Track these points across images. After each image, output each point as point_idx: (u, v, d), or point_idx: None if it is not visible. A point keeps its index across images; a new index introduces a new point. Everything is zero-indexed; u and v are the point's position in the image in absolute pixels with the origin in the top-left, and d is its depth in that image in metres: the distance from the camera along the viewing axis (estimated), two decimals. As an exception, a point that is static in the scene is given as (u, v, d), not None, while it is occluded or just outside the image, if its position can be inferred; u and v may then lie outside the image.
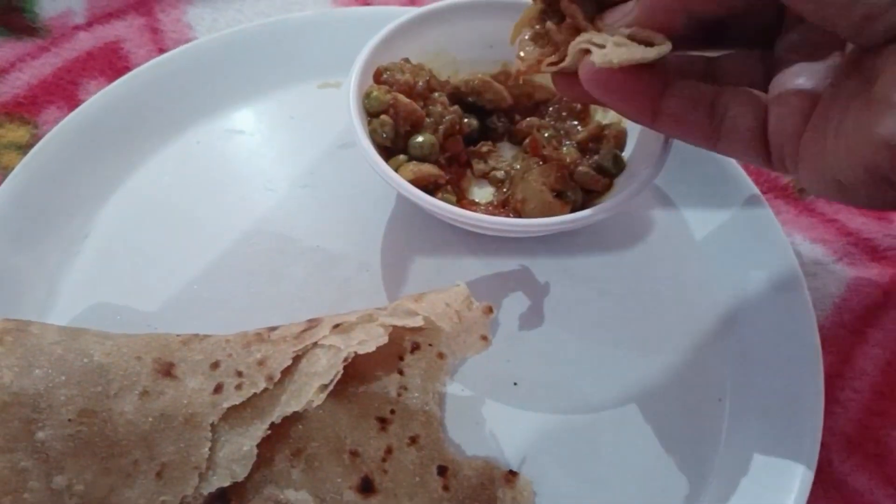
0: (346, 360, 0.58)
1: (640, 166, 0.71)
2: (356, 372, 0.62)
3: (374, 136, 0.71)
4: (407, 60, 0.76)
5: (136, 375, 0.58)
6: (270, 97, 0.84)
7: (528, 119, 0.78)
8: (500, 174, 0.75)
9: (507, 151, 0.78)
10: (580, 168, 0.73)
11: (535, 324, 0.71)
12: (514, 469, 0.63)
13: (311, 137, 0.81)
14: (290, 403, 0.58)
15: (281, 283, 0.72)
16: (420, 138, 0.72)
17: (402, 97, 0.72)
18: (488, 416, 0.66)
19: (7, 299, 0.68)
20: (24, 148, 0.76)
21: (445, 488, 0.61)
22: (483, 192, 0.75)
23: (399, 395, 0.64)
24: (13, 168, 0.73)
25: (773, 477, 0.62)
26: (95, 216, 0.75)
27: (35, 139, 0.76)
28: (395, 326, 0.60)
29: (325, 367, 0.58)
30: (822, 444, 0.63)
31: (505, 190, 0.74)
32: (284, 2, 0.93)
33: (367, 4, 0.93)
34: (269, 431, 0.57)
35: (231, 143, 0.81)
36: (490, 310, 0.64)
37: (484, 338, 0.65)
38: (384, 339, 0.59)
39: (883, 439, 0.66)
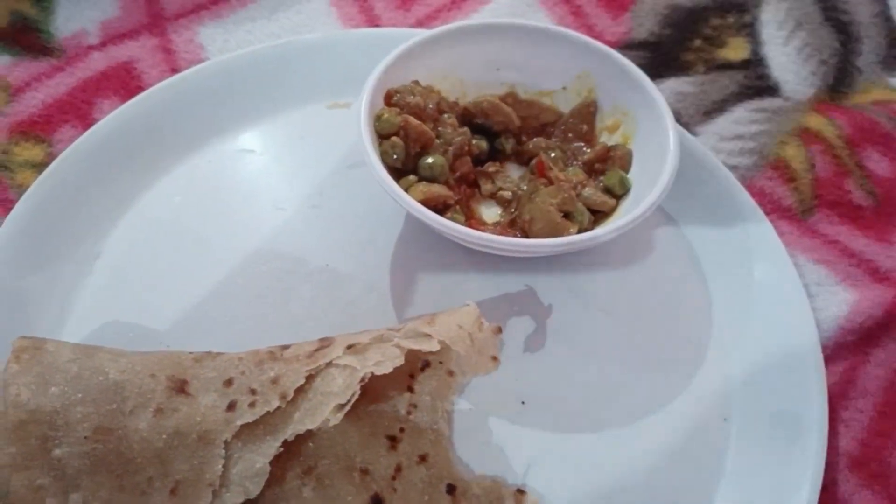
0: (362, 380, 0.59)
1: (645, 187, 0.72)
2: (367, 390, 0.62)
3: (384, 157, 0.72)
4: (416, 83, 0.78)
5: (150, 393, 0.59)
6: (280, 117, 0.85)
7: (534, 140, 0.80)
8: (507, 194, 0.76)
9: (514, 172, 0.79)
10: (587, 189, 0.74)
11: (541, 343, 0.72)
12: (522, 487, 0.63)
13: (320, 157, 0.83)
14: (304, 422, 0.58)
15: (290, 303, 0.73)
16: (430, 159, 0.73)
17: (412, 119, 0.73)
18: (496, 433, 0.67)
19: (20, 318, 0.69)
20: (38, 166, 0.77)
21: (455, 506, 0.62)
22: (491, 213, 0.76)
23: (409, 412, 0.65)
24: (28, 186, 0.74)
25: (778, 496, 0.62)
26: (107, 236, 0.76)
27: (50, 158, 0.77)
28: (410, 349, 0.61)
29: (341, 387, 0.59)
30: (827, 464, 0.64)
31: (512, 210, 0.75)
32: (294, 24, 0.94)
33: (376, 26, 0.94)
34: (281, 449, 0.58)
35: (241, 162, 0.82)
36: (499, 330, 0.65)
37: (494, 358, 0.66)
38: (401, 361, 0.59)
39: (886, 459, 0.67)
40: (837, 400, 0.70)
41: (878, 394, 0.70)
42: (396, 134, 0.73)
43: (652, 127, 0.75)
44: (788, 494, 0.62)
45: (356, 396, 0.58)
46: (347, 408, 0.58)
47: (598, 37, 0.93)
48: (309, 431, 0.59)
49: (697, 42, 0.95)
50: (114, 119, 0.79)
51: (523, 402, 0.68)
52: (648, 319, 0.74)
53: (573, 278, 0.76)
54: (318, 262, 0.75)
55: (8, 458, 0.55)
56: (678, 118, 0.85)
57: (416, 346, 0.60)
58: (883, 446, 0.68)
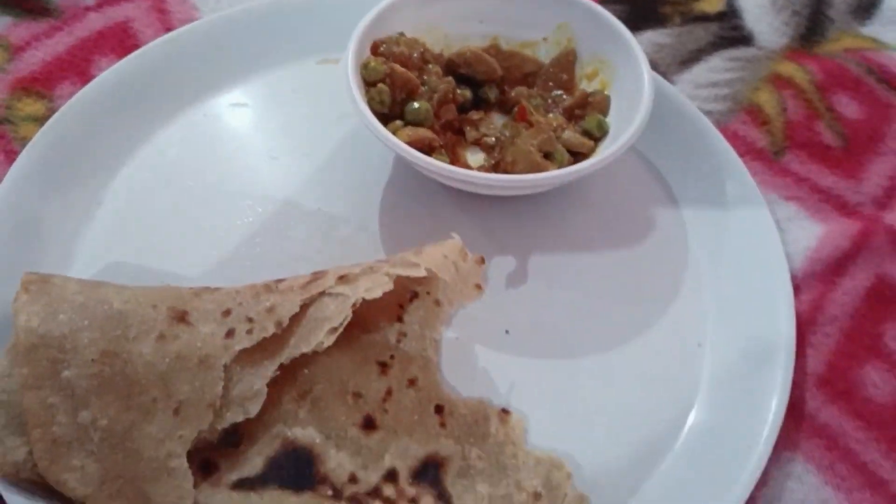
0: (354, 305, 0.62)
1: (622, 130, 0.75)
2: (358, 320, 0.65)
3: (371, 104, 0.75)
4: (402, 34, 0.81)
5: (152, 321, 0.62)
6: (272, 73, 0.88)
7: (517, 89, 0.83)
8: (491, 140, 0.79)
9: (497, 120, 0.83)
10: (566, 132, 0.78)
11: (523, 277, 0.76)
12: (506, 408, 0.67)
13: (311, 110, 0.86)
14: (299, 346, 0.62)
15: (285, 242, 0.76)
16: (415, 104, 0.76)
17: (397, 67, 0.77)
18: (482, 360, 0.71)
19: (24, 264, 0.71)
20: (40, 120, 0.80)
21: (442, 425, 0.65)
22: (475, 159, 0.80)
23: (398, 341, 0.68)
24: (31, 139, 0.77)
25: (748, 412, 0.66)
26: (108, 184, 0.79)
27: (51, 112, 0.80)
28: (399, 276, 0.64)
29: (333, 313, 0.62)
30: (796, 384, 0.68)
31: (496, 154, 0.78)
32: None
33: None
34: (277, 373, 0.62)
35: (235, 116, 0.85)
36: (482, 260, 0.68)
37: (478, 286, 0.69)
38: (390, 286, 0.63)
39: (851, 377, 0.71)
40: (807, 326, 0.73)
41: (844, 319, 0.74)
42: (382, 81, 0.76)
43: (628, 73, 0.78)
44: (758, 411, 0.66)
45: (348, 320, 0.62)
46: (340, 330, 0.62)
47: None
48: (304, 359, 0.63)
49: (677, -6, 0.99)
50: (112, 74, 0.82)
51: (507, 332, 0.72)
52: (626, 254, 0.77)
53: (555, 215, 0.79)
54: (311, 205, 0.79)
55: (20, 379, 0.58)
56: (655, 68, 0.88)
57: (403, 273, 0.64)
58: (848, 366, 0.71)
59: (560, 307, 0.74)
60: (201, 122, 0.84)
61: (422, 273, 0.64)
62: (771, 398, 0.66)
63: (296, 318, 0.63)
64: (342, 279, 0.64)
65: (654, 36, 0.95)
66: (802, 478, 0.66)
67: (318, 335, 0.62)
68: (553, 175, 0.71)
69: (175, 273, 0.73)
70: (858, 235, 0.78)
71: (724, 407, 0.68)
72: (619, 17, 0.81)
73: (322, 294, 0.64)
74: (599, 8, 0.81)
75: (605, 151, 0.73)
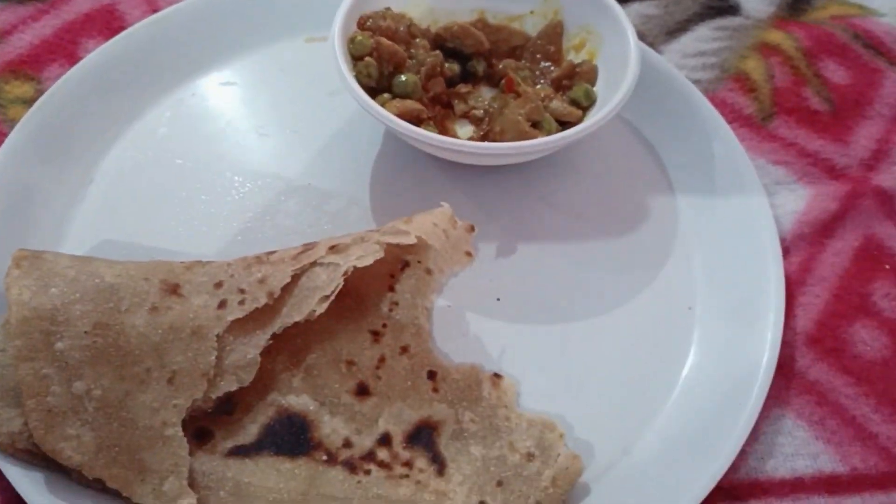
0: (345, 273, 0.62)
1: (609, 98, 0.75)
2: (350, 290, 0.66)
3: (359, 77, 0.75)
4: (388, 9, 0.81)
5: (144, 294, 0.63)
6: (260, 52, 0.89)
7: (504, 61, 0.83)
8: (479, 113, 0.79)
9: (486, 93, 0.83)
10: (554, 101, 0.78)
11: (514, 245, 0.76)
12: (499, 373, 0.67)
13: (300, 88, 0.86)
14: (291, 315, 0.62)
15: (276, 217, 0.77)
16: (403, 77, 0.77)
17: (384, 40, 0.77)
18: (473, 327, 0.71)
19: (16, 243, 0.71)
20: (29, 102, 0.80)
21: (435, 390, 0.66)
22: (465, 131, 0.80)
23: (390, 310, 0.69)
24: (20, 120, 0.77)
25: (738, 371, 0.67)
26: (99, 163, 0.79)
27: (39, 94, 0.80)
28: (389, 244, 0.65)
29: (325, 281, 0.63)
30: (786, 342, 0.69)
31: (485, 126, 0.79)
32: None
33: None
34: (270, 342, 0.62)
35: (224, 94, 0.85)
36: (472, 228, 0.69)
37: (468, 253, 0.69)
38: (381, 254, 0.63)
39: (840, 335, 0.71)
40: (796, 287, 0.74)
41: (832, 279, 0.74)
42: (370, 55, 0.77)
43: (615, 42, 0.79)
44: (748, 369, 0.66)
45: (339, 288, 0.62)
46: (331, 298, 0.62)
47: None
48: (297, 328, 0.63)
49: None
50: (99, 55, 0.83)
51: (498, 299, 0.73)
52: (616, 220, 0.78)
53: (544, 186, 0.80)
54: (302, 181, 0.79)
55: (14, 351, 0.59)
56: (643, 38, 0.88)
57: (394, 241, 0.64)
58: (837, 325, 0.72)
59: (550, 274, 0.74)
60: (190, 102, 0.85)
61: (412, 240, 0.65)
62: (761, 356, 0.66)
63: (287, 288, 0.63)
64: (333, 249, 0.65)
65: (642, 7, 0.95)
66: (793, 432, 0.67)
67: (309, 304, 0.63)
68: (541, 142, 0.72)
69: (167, 249, 0.74)
70: (846, 197, 0.78)
71: (714, 366, 0.68)
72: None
73: (314, 264, 0.64)
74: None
75: (593, 118, 0.73)
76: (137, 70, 0.84)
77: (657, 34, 0.93)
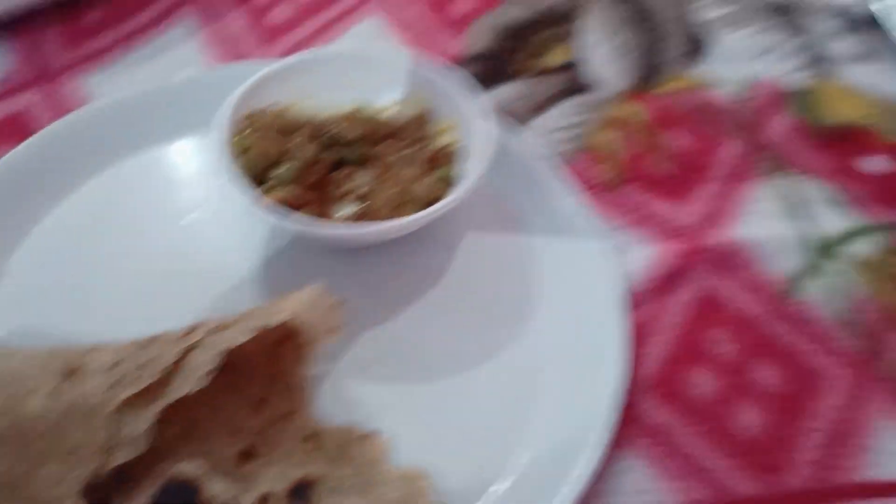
0: (225, 351, 0.70)
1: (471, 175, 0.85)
2: (236, 362, 0.73)
3: (243, 171, 0.84)
4: (275, 104, 0.90)
5: (45, 377, 0.69)
6: (157, 151, 0.97)
7: (378, 146, 0.92)
8: (355, 195, 0.88)
9: (362, 177, 0.91)
10: (424, 181, 0.87)
11: (388, 314, 0.84)
12: (374, 430, 0.75)
13: (191, 178, 0.95)
14: (181, 388, 0.68)
15: (171, 299, 0.83)
16: (281, 168, 0.85)
17: (264, 135, 0.86)
18: (351, 391, 0.78)
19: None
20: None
21: (315, 450, 0.73)
22: (344, 213, 0.88)
23: (274, 380, 0.76)
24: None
25: (583, 415, 0.75)
26: (9, 258, 0.87)
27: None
28: (265, 324, 0.72)
29: (208, 359, 0.70)
30: (632, 389, 0.77)
31: (362, 208, 0.87)
32: (163, 68, 1.07)
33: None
34: (161, 415, 0.69)
35: (124, 192, 0.94)
36: (341, 302, 0.77)
37: (336, 327, 0.77)
38: (252, 335, 0.71)
39: (680, 380, 0.80)
40: (643, 337, 0.82)
41: (675, 328, 0.83)
42: (251, 149, 0.85)
43: (477, 126, 0.88)
44: (592, 415, 0.74)
45: (221, 364, 0.69)
46: (215, 372, 0.69)
47: (440, 53, 1.07)
48: (187, 401, 0.70)
49: (527, 51, 1.09)
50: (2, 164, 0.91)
51: (374, 362, 0.80)
52: (477, 287, 0.87)
53: (415, 258, 0.89)
54: (196, 265, 0.87)
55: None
56: (512, 116, 0.98)
57: (266, 321, 0.72)
58: (677, 370, 0.80)
59: (421, 339, 0.82)
60: (94, 198, 0.92)
61: (286, 318, 0.72)
62: (602, 402, 0.74)
63: (176, 366, 0.70)
64: (215, 329, 0.72)
65: (509, 89, 1.05)
66: (637, 471, 0.74)
67: (195, 379, 0.69)
68: (408, 220, 0.80)
69: (78, 331, 0.79)
70: (687, 254, 0.88)
71: (561, 412, 0.76)
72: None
73: (198, 343, 0.72)
74: (447, 72, 0.91)
75: (452, 196, 0.82)
76: (36, 178, 0.92)
77: (523, 112, 1.02)
